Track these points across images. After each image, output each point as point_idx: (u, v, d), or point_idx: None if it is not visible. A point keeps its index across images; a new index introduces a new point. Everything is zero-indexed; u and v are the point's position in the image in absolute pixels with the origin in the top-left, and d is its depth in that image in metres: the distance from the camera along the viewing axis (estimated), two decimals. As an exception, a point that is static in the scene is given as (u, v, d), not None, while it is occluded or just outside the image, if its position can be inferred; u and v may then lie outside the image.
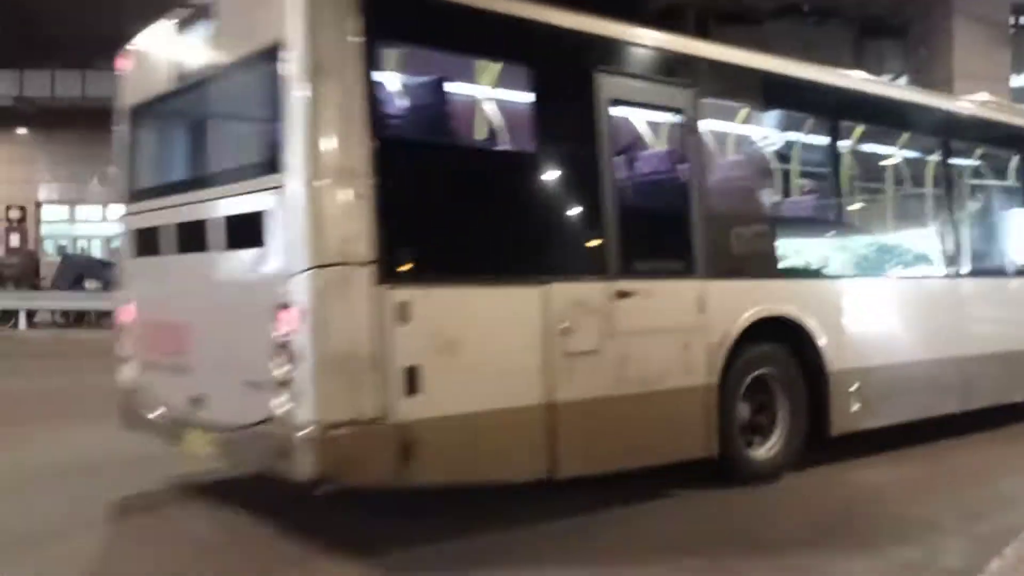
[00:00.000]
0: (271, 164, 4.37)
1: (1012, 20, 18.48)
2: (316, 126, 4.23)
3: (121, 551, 4.91)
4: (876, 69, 18.65)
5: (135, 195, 5.83)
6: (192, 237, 5.05)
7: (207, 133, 5.58)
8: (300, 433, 4.13)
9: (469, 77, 5.45)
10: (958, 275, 7.63)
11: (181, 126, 5.86)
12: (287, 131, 4.27)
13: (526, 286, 4.86)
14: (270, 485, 4.71)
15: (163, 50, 5.53)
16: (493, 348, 4.73)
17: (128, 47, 5.93)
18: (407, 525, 5.00)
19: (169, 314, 5.34)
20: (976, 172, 8.49)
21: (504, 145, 5.39)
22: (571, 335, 4.96)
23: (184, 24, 5.28)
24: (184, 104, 5.53)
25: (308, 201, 4.21)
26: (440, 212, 4.76)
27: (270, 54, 4.35)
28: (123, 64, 5.97)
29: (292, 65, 4.25)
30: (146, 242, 5.60)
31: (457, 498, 5.10)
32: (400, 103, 5.02)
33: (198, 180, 5.24)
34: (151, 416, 5.38)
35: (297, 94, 4.23)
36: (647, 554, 4.64)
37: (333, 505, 4.72)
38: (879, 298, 7.00)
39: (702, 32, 18.61)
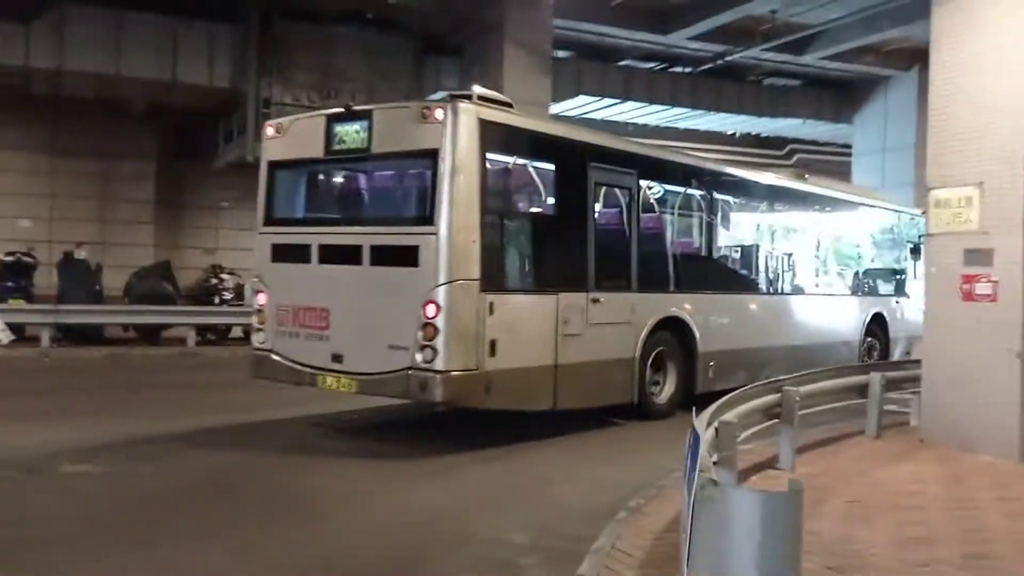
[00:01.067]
0: (428, 219, 7.85)
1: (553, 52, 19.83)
2: (454, 202, 7.75)
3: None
4: (433, 84, 20.01)
5: (271, 220, 9.29)
6: (345, 254, 8.39)
7: (354, 187, 9.49)
8: (437, 375, 7.62)
9: (528, 175, 9.09)
10: (774, 293, 12.12)
11: (324, 181, 9.65)
12: (438, 202, 7.75)
13: (549, 295, 8.65)
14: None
15: (311, 129, 8.90)
16: (532, 330, 8.51)
17: (277, 121, 9.48)
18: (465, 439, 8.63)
19: (317, 302, 8.51)
20: (784, 227, 13.01)
21: (541, 211, 9.24)
22: (567, 324, 8.72)
23: (337, 118, 8.71)
24: (330, 167, 9.25)
25: (448, 244, 7.71)
26: (510, 253, 8.55)
27: (430, 154, 7.84)
28: (271, 131, 9.32)
29: (444, 165, 7.76)
30: (291, 254, 8.88)
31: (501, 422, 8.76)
32: (494, 191, 8.48)
33: (348, 218, 9.25)
34: (290, 366, 8.65)
35: (446, 182, 7.74)
36: (602, 447, 8.58)
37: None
38: (727, 306, 11.27)
39: (265, 26, 19.11)
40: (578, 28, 19.86)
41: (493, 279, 8.04)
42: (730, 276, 11.91)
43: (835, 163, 27.99)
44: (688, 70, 22.35)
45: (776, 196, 12.83)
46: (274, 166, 9.23)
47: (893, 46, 21.64)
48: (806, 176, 14.22)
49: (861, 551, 5.22)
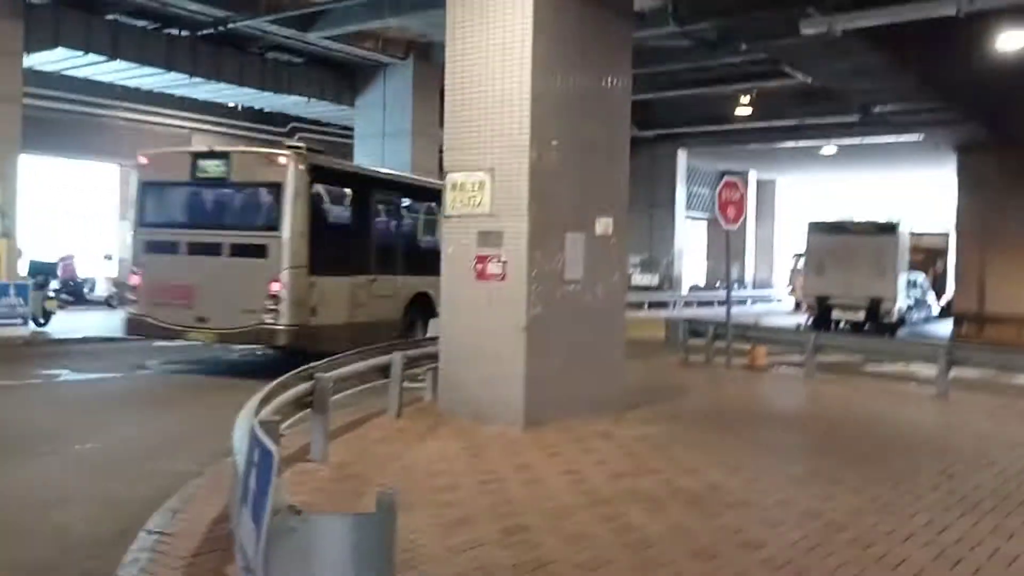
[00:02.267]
0: (274, 226, 11.73)
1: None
2: (293, 215, 11.63)
3: None
4: None
5: (144, 224, 12.93)
6: (208, 249, 12.10)
7: (217, 204, 12.86)
8: (280, 328, 11.49)
9: (334, 197, 13.39)
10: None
11: (189, 197, 12.99)
12: (283, 215, 11.66)
13: (346, 277, 12.21)
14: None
15: (178, 160, 12.92)
16: (337, 300, 12.43)
17: (147, 152, 13.36)
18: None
19: (184, 281, 11.99)
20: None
21: (342, 221, 13.54)
22: (356, 296, 12.67)
23: (201, 155, 12.64)
24: (195, 189, 12.80)
25: (289, 244, 11.59)
26: (324, 249, 12.07)
27: (275, 185, 11.80)
28: (144, 160, 13.07)
29: (287, 191, 11.69)
30: (161, 248, 12.51)
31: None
32: (318, 209, 12.50)
33: (210, 224, 12.57)
34: (161, 326, 12.22)
35: (288, 203, 11.66)
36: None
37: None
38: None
39: None
40: (56, -31, 17.14)
41: (314, 266, 11.91)
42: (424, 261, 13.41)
43: (338, 144, 28.40)
44: (185, 33, 20.70)
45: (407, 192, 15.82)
46: (146, 185, 13.05)
47: (392, 34, 22.43)
48: None
49: (410, 542, 5.01)
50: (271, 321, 11.42)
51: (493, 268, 8.89)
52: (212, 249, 12.02)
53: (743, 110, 26.82)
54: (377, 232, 14.10)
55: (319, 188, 12.46)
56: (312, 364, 7.41)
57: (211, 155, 12.43)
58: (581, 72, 9.35)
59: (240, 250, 11.91)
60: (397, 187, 15.33)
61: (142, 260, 12.60)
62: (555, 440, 8.08)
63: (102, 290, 22.72)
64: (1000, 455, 7.97)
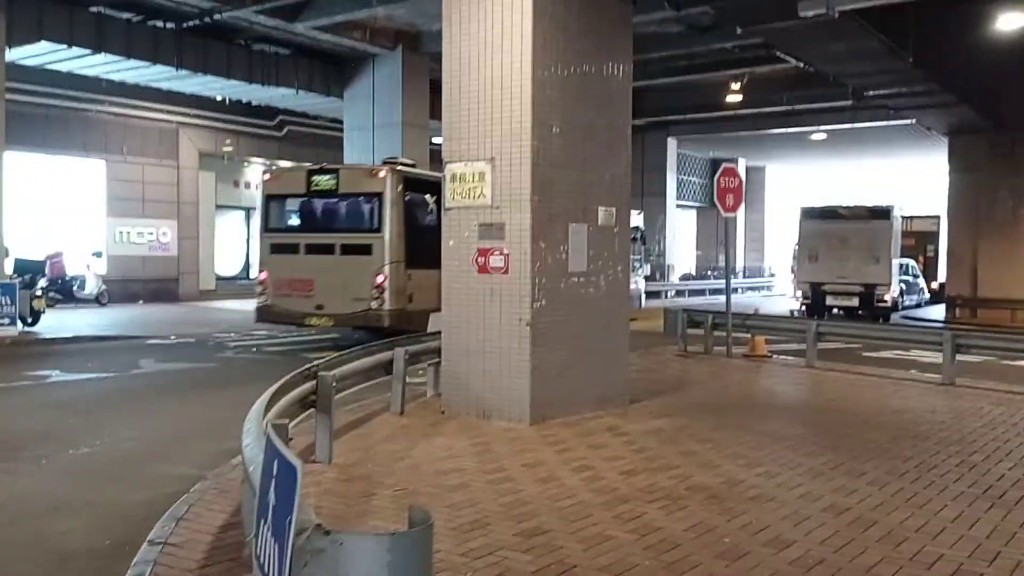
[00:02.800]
0: (377, 229, 14.31)
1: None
2: (391, 219, 14.23)
3: None
4: None
5: (269, 229, 15.61)
6: (323, 249, 14.68)
7: (328, 212, 15.35)
8: (385, 312, 14.05)
9: (428, 202, 14.90)
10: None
11: (306, 206, 15.55)
12: (384, 220, 14.25)
13: (435, 269, 9.62)
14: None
15: (295, 176, 16.14)
16: (428, 288, 12.75)
17: (270, 170, 17.24)
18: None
19: (302, 276, 14.55)
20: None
21: (429, 222, 14.39)
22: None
23: (314, 172, 15.16)
24: (310, 199, 15.37)
25: (388, 243, 14.20)
26: (417, 246, 13.96)
27: (376, 195, 14.37)
28: (267, 177, 16.02)
29: (386, 199, 14.27)
30: (284, 249, 15.10)
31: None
32: (410, 213, 14.54)
33: (324, 228, 15.17)
34: (287, 313, 14.80)
35: (387, 209, 14.24)
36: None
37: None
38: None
39: None
40: (38, -40, 16.75)
41: (409, 261, 14.19)
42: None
43: (327, 137, 28.09)
44: (171, 25, 20.34)
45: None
46: (269, 197, 15.62)
47: (380, 24, 22.11)
48: None
49: (426, 549, 4.80)
50: (377, 307, 14.05)
51: (495, 261, 8.69)
52: (326, 249, 14.65)
53: (734, 97, 26.63)
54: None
55: (410, 195, 14.63)
56: (315, 362, 7.19)
57: (322, 171, 15.08)
58: (582, 57, 9.13)
59: (349, 249, 14.46)
60: None
61: (268, 259, 15.26)
62: (563, 436, 7.89)
63: (92, 287, 22.39)
64: (1017, 444, 7.83)
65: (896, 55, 18.51)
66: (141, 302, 23.97)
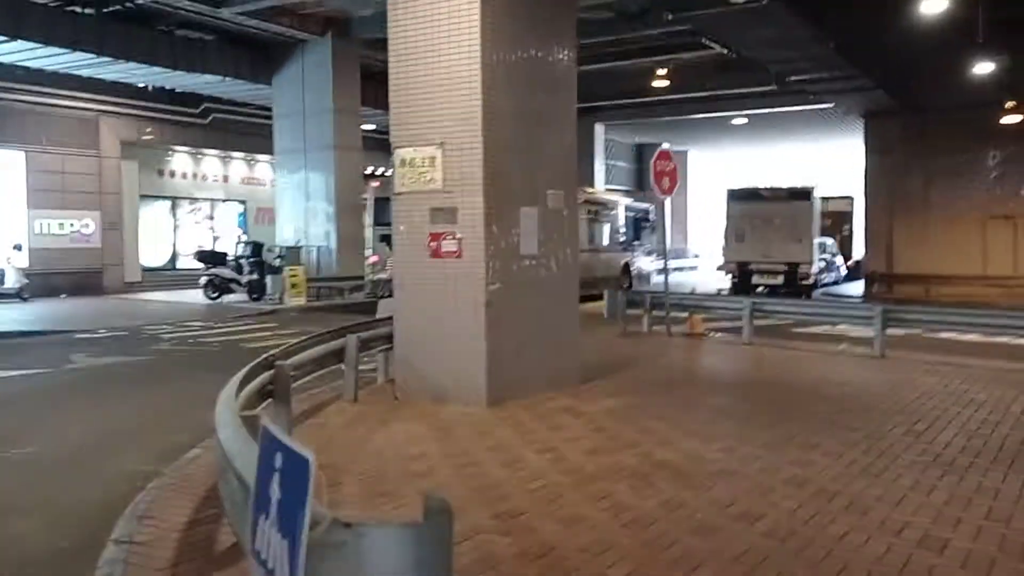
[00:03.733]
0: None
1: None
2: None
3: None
4: None
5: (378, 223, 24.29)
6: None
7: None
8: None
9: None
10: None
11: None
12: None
13: (587, 253, 19.22)
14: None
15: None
16: (585, 265, 16.18)
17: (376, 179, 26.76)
18: None
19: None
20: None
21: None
22: (593, 263, 21.78)
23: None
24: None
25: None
26: None
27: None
28: (375, 184, 28.09)
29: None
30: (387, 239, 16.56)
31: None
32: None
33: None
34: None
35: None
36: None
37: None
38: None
39: None
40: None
41: None
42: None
43: (255, 124, 27.48)
44: (91, 11, 19.59)
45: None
46: (378, 199, 23.34)
47: (309, 10, 21.73)
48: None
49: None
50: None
51: (448, 245, 8.66)
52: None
53: (660, 82, 26.99)
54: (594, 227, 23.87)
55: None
56: (270, 353, 7.06)
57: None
58: (529, 42, 9.13)
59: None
60: (598, 201, 25.34)
61: (377, 246, 22.57)
62: (521, 418, 7.94)
63: (12, 281, 21.50)
64: (956, 413, 8.17)
65: (820, 41, 19.03)
66: (64, 296, 23.12)
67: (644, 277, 27.54)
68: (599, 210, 25.27)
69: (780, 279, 24.61)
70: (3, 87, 22.24)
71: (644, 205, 29.39)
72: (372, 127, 27.37)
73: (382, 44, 9.42)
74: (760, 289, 24.50)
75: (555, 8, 9.61)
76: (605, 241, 25.47)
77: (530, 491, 5.67)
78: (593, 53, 24.81)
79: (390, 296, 12.59)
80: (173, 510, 5.39)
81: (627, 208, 27.72)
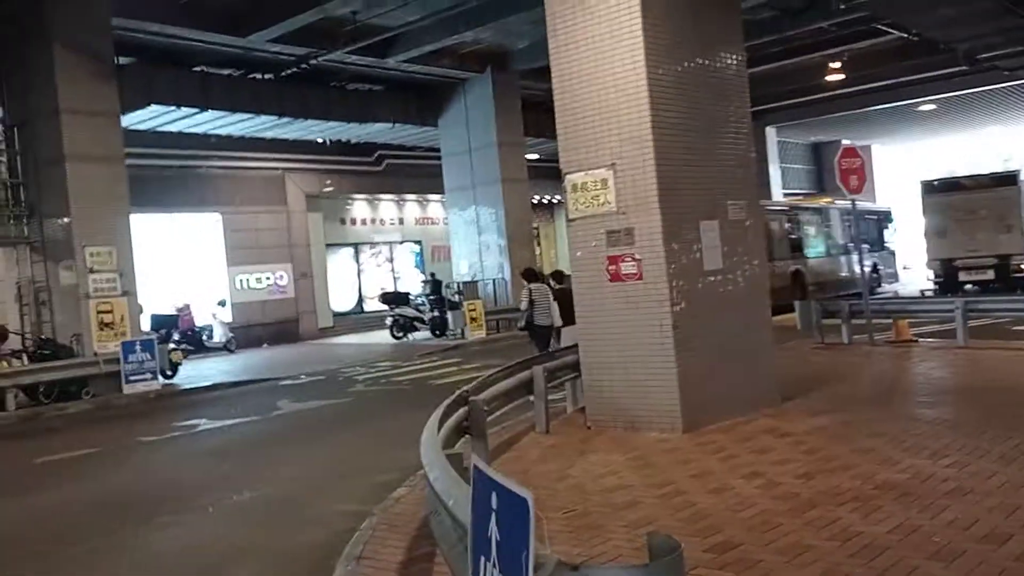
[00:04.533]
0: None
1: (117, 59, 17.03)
2: None
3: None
4: None
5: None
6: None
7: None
8: None
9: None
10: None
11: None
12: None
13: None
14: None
15: None
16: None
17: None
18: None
19: None
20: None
21: None
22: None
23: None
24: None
25: None
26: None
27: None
28: None
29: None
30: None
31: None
32: None
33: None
34: None
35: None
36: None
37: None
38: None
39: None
40: (144, 29, 17.47)
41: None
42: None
43: (424, 166, 28.45)
44: (270, 76, 21.01)
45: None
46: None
47: (468, 49, 22.32)
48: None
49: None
50: None
51: (627, 268, 8.45)
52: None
53: (834, 76, 25.71)
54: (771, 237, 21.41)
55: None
56: (463, 389, 7.10)
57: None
58: (694, 50, 8.85)
59: None
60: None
61: None
62: (722, 442, 7.57)
63: (220, 336, 23.17)
64: None
65: (1009, 11, 17.49)
66: (266, 345, 24.67)
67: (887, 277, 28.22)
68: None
69: (991, 274, 22.66)
70: (199, 155, 24.13)
71: (882, 207, 30.62)
72: (536, 157, 27.69)
73: (541, 73, 9.45)
74: (969, 287, 22.65)
75: (718, 13, 9.27)
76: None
77: (743, 520, 5.34)
78: (758, 55, 24.00)
79: (527, 328, 12.42)
80: (388, 550, 5.45)
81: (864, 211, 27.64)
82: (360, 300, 29.93)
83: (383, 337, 23.51)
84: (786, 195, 36.90)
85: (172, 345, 18.23)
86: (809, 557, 4.61)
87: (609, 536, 5.27)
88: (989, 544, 4.55)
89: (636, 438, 8.06)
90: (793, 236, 24.71)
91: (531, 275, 13.10)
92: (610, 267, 8.58)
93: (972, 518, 4.97)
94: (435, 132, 25.24)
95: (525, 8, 17.39)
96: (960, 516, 5.04)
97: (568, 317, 10.95)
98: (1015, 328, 14.29)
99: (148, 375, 15.33)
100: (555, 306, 11.91)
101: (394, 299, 24.39)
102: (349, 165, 28.26)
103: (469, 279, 24.10)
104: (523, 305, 12.53)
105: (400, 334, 23.18)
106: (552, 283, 12.58)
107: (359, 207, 30.17)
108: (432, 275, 25.43)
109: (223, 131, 22.73)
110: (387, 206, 30.94)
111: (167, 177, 23.73)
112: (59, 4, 15.68)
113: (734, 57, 9.40)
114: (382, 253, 31.02)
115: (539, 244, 34.72)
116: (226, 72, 20.39)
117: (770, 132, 34.33)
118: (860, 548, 4.67)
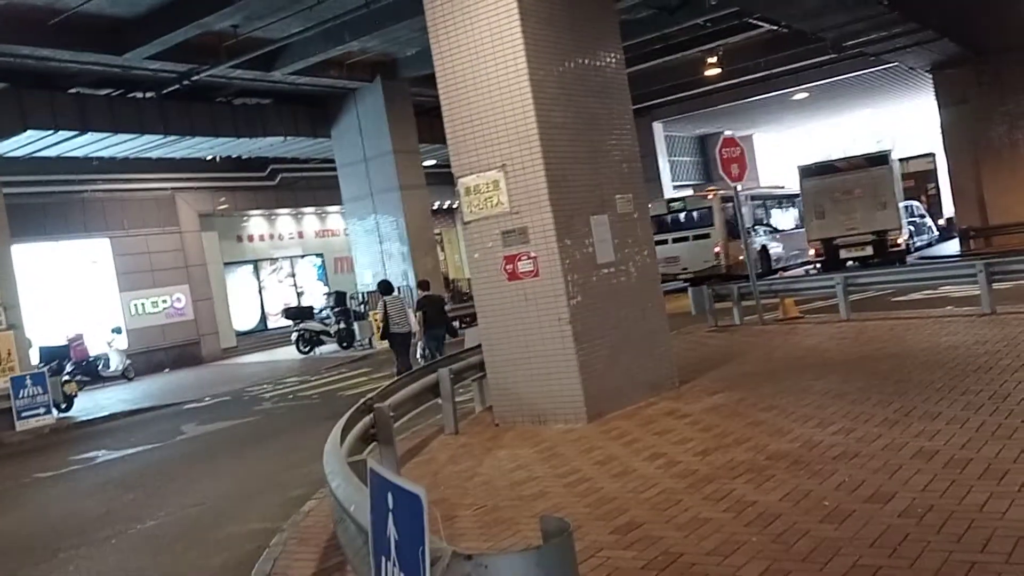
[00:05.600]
0: (711, 224, 25.73)
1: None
2: (721, 223, 25.45)
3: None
4: None
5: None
6: (683, 239, 25.95)
7: (682, 219, 26.45)
8: (722, 267, 25.20)
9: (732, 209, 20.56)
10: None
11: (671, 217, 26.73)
12: (714, 223, 25.59)
13: (736, 240, 22.80)
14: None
15: (660, 204, 27.28)
16: (738, 251, 23.10)
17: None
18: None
19: (672, 254, 25.53)
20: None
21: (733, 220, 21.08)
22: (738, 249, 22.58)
23: (672, 200, 28.13)
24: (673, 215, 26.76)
25: (718, 231, 25.51)
26: (730, 232, 24.64)
27: (708, 207, 26.10)
28: (652, 204, 20.88)
29: (715, 209, 25.83)
30: (661, 242, 23.30)
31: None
32: (727, 216, 25.26)
33: (681, 227, 26.28)
34: (665, 273, 22.05)
35: (716, 215, 25.73)
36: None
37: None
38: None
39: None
40: (13, 53, 16.68)
41: (728, 240, 24.51)
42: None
43: (320, 178, 28.10)
44: (152, 94, 20.41)
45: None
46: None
47: (356, 58, 22.14)
48: None
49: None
50: (716, 264, 24.51)
51: (524, 266, 8.61)
52: (685, 238, 25.32)
53: (712, 71, 26.59)
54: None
55: (726, 206, 24.55)
56: (368, 397, 7.11)
57: (677, 200, 27.22)
58: (574, 50, 9.08)
59: (697, 237, 25.12)
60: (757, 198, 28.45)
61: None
62: (625, 427, 7.81)
63: (116, 364, 22.37)
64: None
65: (870, 1, 18.46)
66: (167, 370, 23.95)
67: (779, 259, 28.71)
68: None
69: (869, 250, 23.87)
70: (81, 179, 23.26)
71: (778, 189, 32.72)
72: (432, 163, 27.69)
73: (430, 80, 9.49)
74: (850, 263, 23.79)
75: (595, 13, 9.54)
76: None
77: (646, 500, 5.54)
78: (639, 53, 24.64)
79: (385, 337, 12.99)
80: (299, 564, 5.45)
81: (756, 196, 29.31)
82: (263, 317, 29.38)
83: (289, 353, 23.14)
84: (676, 187, 37.98)
85: (66, 377, 17.54)
86: (708, 529, 4.83)
87: (519, 528, 5.39)
88: (875, 503, 4.85)
89: (543, 431, 8.23)
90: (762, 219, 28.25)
91: (385, 288, 13.74)
92: (507, 266, 8.73)
93: (858, 480, 5.29)
94: (328, 143, 24.97)
95: (408, 16, 17.42)
96: (847, 479, 5.35)
97: (438, 320, 13.09)
98: (895, 299, 15.11)
99: (41, 409, 14.73)
100: (411, 314, 13.13)
101: (298, 314, 24.06)
102: (242, 181, 27.69)
103: (373, 289, 23.93)
104: (379, 317, 13.34)
105: (307, 349, 22.87)
106: (420, 292, 13.79)
107: (256, 223, 29.60)
108: (330, 288, 25.27)
109: (106, 153, 21.96)
110: (285, 220, 30.45)
111: (48, 204, 22.81)
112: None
113: (613, 56, 9.68)
114: (283, 268, 30.52)
115: (442, 249, 34.74)
116: (104, 92, 19.71)
117: (657, 127, 35.23)
118: (755, 517, 4.92)
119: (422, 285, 13.92)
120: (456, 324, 23.81)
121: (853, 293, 13.51)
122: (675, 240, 25.21)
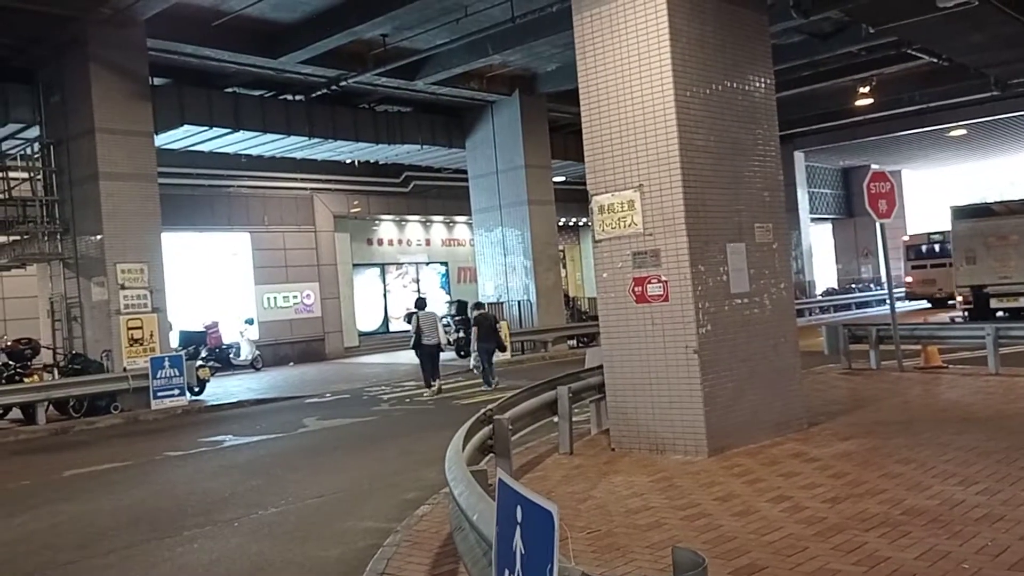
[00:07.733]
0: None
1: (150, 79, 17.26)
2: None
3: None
4: (1, 115, 17.03)
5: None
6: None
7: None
8: None
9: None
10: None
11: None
12: None
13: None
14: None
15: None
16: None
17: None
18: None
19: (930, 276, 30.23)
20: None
21: None
22: None
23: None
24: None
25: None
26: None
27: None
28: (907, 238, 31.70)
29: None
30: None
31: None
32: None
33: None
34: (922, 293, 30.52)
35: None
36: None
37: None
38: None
39: None
40: (178, 51, 17.78)
41: None
42: None
43: (452, 188, 28.63)
44: (300, 97, 21.29)
45: None
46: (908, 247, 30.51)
47: (496, 72, 22.50)
48: None
49: (640, 593, 4.58)
50: None
51: (654, 289, 8.45)
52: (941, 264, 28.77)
53: (863, 101, 25.62)
54: None
55: None
56: (487, 408, 7.11)
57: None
58: (723, 73, 8.88)
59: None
60: None
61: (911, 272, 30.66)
62: (748, 465, 7.52)
63: (246, 353, 23.34)
64: None
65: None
66: (292, 363, 24.83)
67: None
68: None
69: (1023, 301, 22.36)
70: (229, 175, 24.46)
71: None
72: (562, 179, 27.76)
73: (567, 96, 9.52)
74: (1000, 314, 22.36)
75: (748, 36, 9.31)
76: None
77: (769, 544, 5.29)
78: (786, 79, 23.99)
79: (416, 347, 15.52)
80: (411, 566, 5.46)
81: None
82: (386, 320, 30.06)
83: (408, 356, 23.51)
84: (813, 220, 36.78)
85: (200, 362, 18.39)
86: (836, 582, 4.56)
87: (633, 556, 5.24)
88: (1019, 572, 4.48)
89: (660, 460, 8.03)
90: None
91: (420, 304, 16.61)
92: (636, 288, 8.59)
93: (1003, 545, 4.90)
94: (462, 153, 25.41)
95: (552, 32, 17.53)
96: (990, 543, 4.96)
97: (490, 336, 16.05)
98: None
99: (176, 391, 15.49)
100: (441, 328, 16.08)
101: (420, 319, 24.49)
102: (377, 186, 28.49)
103: (494, 300, 24.14)
104: (412, 329, 15.94)
105: (425, 354, 23.23)
106: (476, 311, 16.76)
107: (386, 227, 30.37)
108: (452, 296, 25.63)
109: (253, 151, 23.03)
110: (414, 227, 31.12)
111: (198, 196, 24.07)
112: (96, 27, 16.00)
113: (762, 80, 9.42)
114: (408, 274, 31.17)
115: (564, 266, 34.74)
116: (257, 93, 20.69)
117: (798, 156, 34.28)
118: (888, 573, 4.61)
119: (478, 306, 16.97)
120: (572, 342, 23.87)
121: (1004, 346, 12.65)
122: (933, 265, 29.73)
